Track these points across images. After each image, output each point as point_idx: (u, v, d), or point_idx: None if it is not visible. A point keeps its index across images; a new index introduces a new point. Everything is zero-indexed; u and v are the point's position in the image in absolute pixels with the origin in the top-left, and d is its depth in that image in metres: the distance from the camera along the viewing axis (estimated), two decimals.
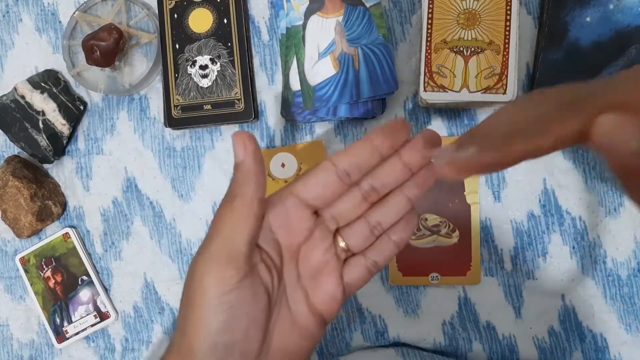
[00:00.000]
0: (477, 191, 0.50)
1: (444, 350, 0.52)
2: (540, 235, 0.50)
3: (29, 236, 0.56)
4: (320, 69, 0.50)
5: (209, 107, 0.52)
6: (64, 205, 0.57)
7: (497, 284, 0.51)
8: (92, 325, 0.55)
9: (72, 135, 0.56)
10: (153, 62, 0.54)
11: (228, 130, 0.54)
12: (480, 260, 0.50)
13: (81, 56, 0.55)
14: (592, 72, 0.47)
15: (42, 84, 0.54)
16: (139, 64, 0.55)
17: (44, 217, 0.55)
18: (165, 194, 0.55)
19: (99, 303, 0.55)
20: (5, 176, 0.54)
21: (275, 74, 0.53)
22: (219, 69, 0.52)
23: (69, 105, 0.55)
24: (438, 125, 0.51)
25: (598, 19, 0.47)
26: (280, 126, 0.54)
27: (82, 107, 0.56)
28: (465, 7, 0.47)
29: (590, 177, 0.50)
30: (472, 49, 0.47)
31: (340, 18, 0.50)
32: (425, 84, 0.47)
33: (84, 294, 0.56)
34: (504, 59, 0.47)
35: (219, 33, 0.53)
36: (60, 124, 0.54)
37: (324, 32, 0.50)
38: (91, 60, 0.53)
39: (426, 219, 0.51)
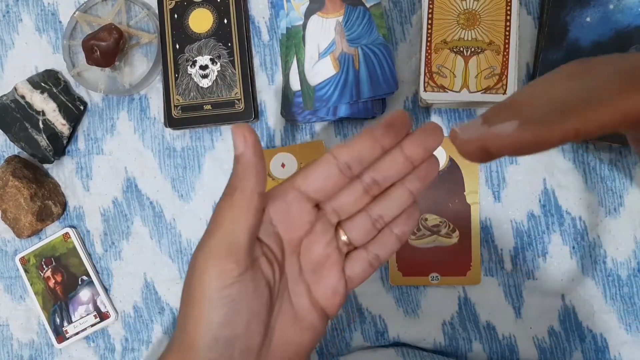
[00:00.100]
0: (477, 191, 0.50)
1: (444, 350, 0.52)
2: (540, 235, 0.50)
3: (29, 236, 0.56)
4: (320, 69, 0.50)
5: (209, 107, 0.52)
6: (64, 205, 0.57)
7: (497, 284, 0.51)
8: (92, 325, 0.55)
9: (72, 135, 0.56)
10: (153, 62, 0.54)
11: (228, 131, 0.54)
12: (480, 260, 0.50)
13: (81, 56, 0.55)
14: None
15: (42, 84, 0.55)
16: (139, 64, 0.55)
17: (44, 217, 0.55)
18: (165, 194, 0.55)
19: (99, 303, 0.55)
20: (5, 176, 0.54)
21: (275, 74, 0.53)
22: (219, 69, 0.52)
23: (69, 105, 0.55)
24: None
25: (598, 19, 0.47)
26: (280, 126, 0.54)
27: (82, 107, 0.56)
28: (465, 7, 0.47)
29: (590, 177, 0.50)
30: (472, 49, 0.47)
31: (341, 18, 0.50)
32: (425, 84, 0.47)
33: (84, 294, 0.56)
34: (504, 59, 0.47)
35: (219, 33, 0.53)
36: (61, 124, 0.54)
37: (324, 32, 0.50)
38: (91, 60, 0.53)
39: (426, 219, 0.51)
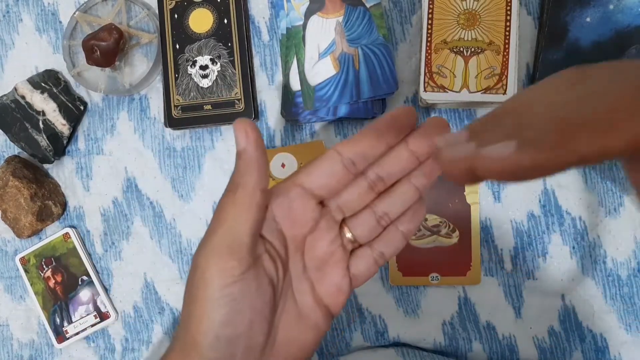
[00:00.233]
0: (477, 191, 0.50)
1: (444, 350, 0.52)
2: (540, 235, 0.50)
3: (29, 236, 0.56)
4: (320, 69, 0.50)
5: (209, 107, 0.52)
6: (64, 205, 0.57)
7: (497, 284, 0.51)
8: (92, 325, 0.55)
9: (72, 136, 0.56)
10: (153, 62, 0.54)
11: (228, 131, 0.54)
12: (480, 260, 0.50)
13: (81, 56, 0.55)
14: None
15: (43, 84, 0.55)
16: (139, 64, 0.55)
17: (44, 217, 0.55)
18: (165, 194, 0.55)
19: (99, 303, 0.55)
20: (5, 176, 0.54)
21: (276, 74, 0.53)
22: (219, 69, 0.52)
23: (69, 105, 0.55)
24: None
25: (598, 19, 0.47)
26: (280, 126, 0.54)
27: (82, 107, 0.56)
28: (465, 8, 0.47)
29: (590, 177, 0.50)
30: (472, 49, 0.47)
31: (341, 18, 0.50)
32: (425, 84, 0.47)
33: (84, 294, 0.56)
34: (504, 59, 0.47)
35: (219, 33, 0.53)
36: (61, 124, 0.54)
37: (324, 32, 0.50)
38: (91, 60, 0.53)
39: (426, 219, 0.51)
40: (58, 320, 0.56)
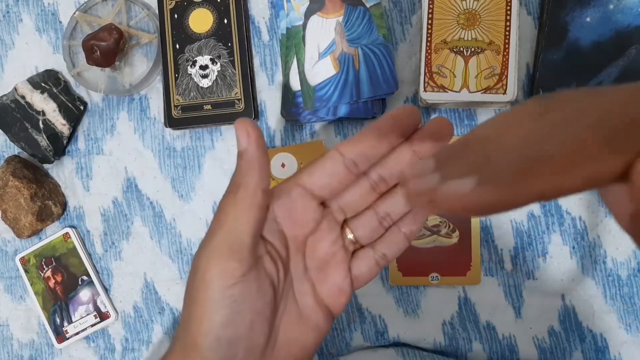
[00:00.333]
0: None
1: (444, 350, 0.52)
2: (540, 235, 0.50)
3: (29, 236, 0.56)
4: (320, 69, 0.50)
5: (209, 107, 0.52)
6: (64, 205, 0.57)
7: (497, 284, 0.51)
8: (92, 325, 0.55)
9: (72, 135, 0.56)
10: (153, 62, 0.54)
11: (228, 131, 0.54)
12: (480, 260, 0.50)
13: (81, 56, 0.55)
14: (592, 72, 0.47)
15: (43, 84, 0.55)
16: (139, 64, 0.55)
17: (44, 217, 0.55)
18: (165, 194, 0.55)
19: (99, 303, 0.55)
20: (5, 176, 0.54)
21: (276, 74, 0.53)
22: (219, 69, 0.52)
23: (69, 105, 0.55)
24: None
25: (598, 19, 0.47)
26: (280, 126, 0.54)
27: (82, 107, 0.56)
28: (465, 7, 0.47)
29: None
30: (472, 49, 0.47)
31: (341, 18, 0.50)
32: (425, 84, 0.47)
33: (84, 294, 0.56)
34: (504, 59, 0.47)
35: (219, 33, 0.53)
36: (61, 124, 0.54)
37: (324, 32, 0.50)
38: (91, 60, 0.53)
39: (426, 219, 0.51)
40: (58, 320, 0.56)
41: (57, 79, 0.56)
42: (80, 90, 0.57)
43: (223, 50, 0.52)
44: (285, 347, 0.31)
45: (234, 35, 0.52)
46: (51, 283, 0.56)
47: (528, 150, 0.19)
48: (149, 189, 0.55)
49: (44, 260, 0.56)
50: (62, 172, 0.57)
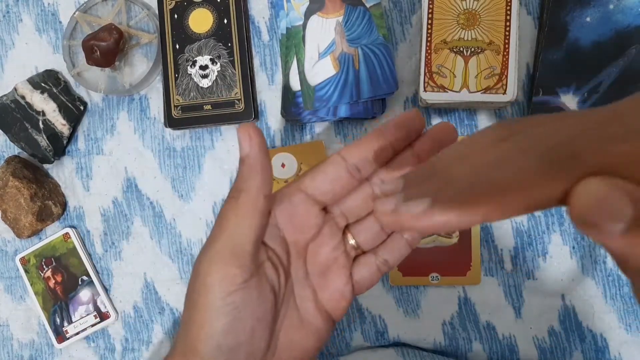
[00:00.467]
0: None
1: (444, 350, 0.52)
2: (540, 235, 0.50)
3: (29, 236, 0.56)
4: (320, 69, 0.50)
5: (209, 107, 0.52)
6: (64, 206, 0.57)
7: (497, 284, 0.51)
8: (92, 325, 0.55)
9: (72, 136, 0.56)
10: (153, 62, 0.54)
11: (228, 131, 0.54)
12: (480, 260, 0.50)
13: (81, 56, 0.55)
14: (592, 72, 0.47)
15: (42, 84, 0.55)
16: (139, 64, 0.55)
17: (44, 217, 0.55)
18: (165, 194, 0.55)
19: (99, 303, 0.55)
20: (5, 176, 0.54)
21: (275, 74, 0.53)
22: (219, 69, 0.52)
23: (69, 105, 0.55)
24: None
25: (598, 19, 0.47)
26: (280, 126, 0.54)
27: (82, 107, 0.56)
28: (465, 7, 0.47)
29: None
30: (472, 49, 0.47)
31: (341, 18, 0.50)
32: (425, 84, 0.47)
33: (84, 294, 0.56)
34: (504, 59, 0.47)
35: (219, 33, 0.53)
36: (61, 124, 0.54)
37: (324, 32, 0.50)
38: (91, 60, 0.53)
39: None
40: (58, 320, 0.56)
41: (57, 79, 0.56)
42: (80, 90, 0.57)
43: (223, 50, 0.52)
44: (286, 351, 0.31)
45: (233, 35, 0.52)
46: (51, 283, 0.56)
47: (477, 176, 0.20)
48: (149, 189, 0.55)
49: (44, 260, 0.56)
50: (62, 172, 0.57)
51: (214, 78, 0.52)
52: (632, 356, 0.49)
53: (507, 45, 0.47)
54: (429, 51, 0.48)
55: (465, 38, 0.47)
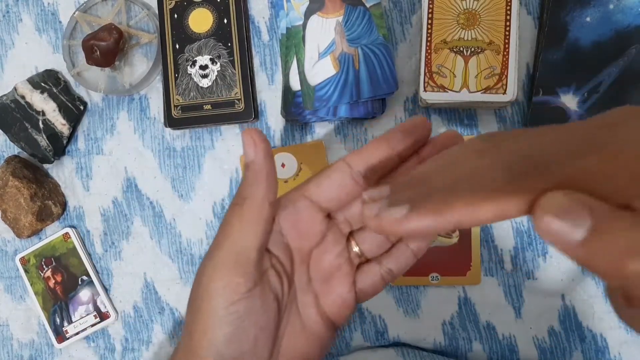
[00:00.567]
0: None
1: (444, 350, 0.52)
2: None
3: (29, 236, 0.56)
4: (320, 69, 0.50)
5: (209, 107, 0.52)
6: (64, 205, 0.57)
7: (497, 284, 0.51)
8: (92, 325, 0.55)
9: (72, 135, 0.56)
10: (153, 62, 0.54)
11: (228, 130, 0.54)
12: (480, 260, 0.50)
13: (81, 56, 0.55)
14: (592, 72, 0.47)
15: (42, 84, 0.55)
16: (139, 64, 0.55)
17: (44, 217, 0.55)
18: (165, 194, 0.55)
19: (99, 303, 0.55)
20: (5, 176, 0.54)
21: (275, 74, 0.53)
22: (219, 69, 0.52)
23: (69, 105, 0.55)
24: (438, 126, 0.51)
25: (598, 19, 0.47)
26: (280, 126, 0.54)
27: (82, 107, 0.56)
28: (465, 7, 0.47)
29: None
30: (472, 49, 0.47)
31: (340, 18, 0.50)
32: (425, 84, 0.47)
33: (84, 294, 0.56)
34: (504, 59, 0.47)
35: (219, 33, 0.53)
36: (60, 123, 0.54)
37: (324, 32, 0.50)
38: (91, 60, 0.53)
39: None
40: (58, 320, 0.56)
41: (57, 78, 0.56)
42: (80, 90, 0.57)
43: (223, 50, 0.52)
44: (288, 357, 0.31)
45: (233, 35, 0.52)
46: (51, 283, 0.56)
47: (454, 185, 0.21)
48: (149, 189, 0.55)
49: (43, 260, 0.56)
50: (62, 172, 0.57)
51: (214, 78, 0.52)
52: (632, 356, 0.49)
53: (507, 45, 0.47)
54: (429, 51, 0.48)
55: (465, 38, 0.47)
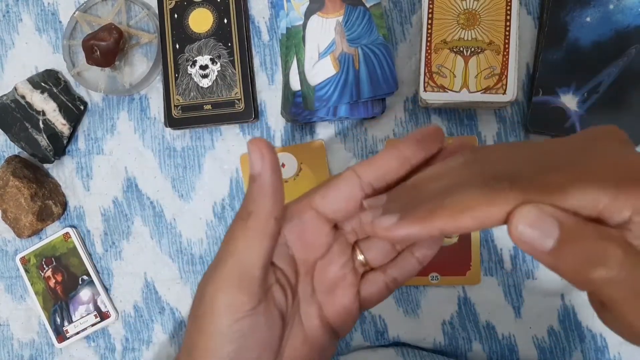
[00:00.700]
0: None
1: (443, 350, 0.52)
2: None
3: (29, 236, 0.56)
4: (320, 69, 0.50)
5: (209, 107, 0.52)
6: (64, 205, 0.57)
7: (497, 283, 0.51)
8: (93, 325, 0.55)
9: (72, 135, 0.56)
10: (153, 62, 0.54)
11: (228, 130, 0.54)
12: (480, 260, 0.50)
13: (81, 56, 0.55)
14: (592, 72, 0.47)
15: (43, 84, 0.55)
16: (139, 63, 0.55)
17: (44, 216, 0.55)
18: (165, 194, 0.55)
19: (99, 303, 0.56)
20: (5, 176, 0.54)
21: (276, 74, 0.53)
22: (219, 69, 0.52)
23: (69, 105, 0.55)
24: (438, 126, 0.51)
25: (598, 19, 0.47)
26: (280, 126, 0.54)
27: (82, 107, 0.56)
28: (465, 7, 0.47)
29: None
30: (472, 49, 0.47)
31: (341, 18, 0.50)
32: (425, 84, 0.47)
33: (85, 293, 0.56)
34: (504, 59, 0.47)
35: (219, 33, 0.53)
36: (61, 123, 0.54)
37: (324, 32, 0.50)
38: (91, 60, 0.53)
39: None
40: (58, 319, 0.56)
41: (57, 78, 0.56)
42: (80, 90, 0.57)
43: (223, 50, 0.52)
44: None
45: (234, 35, 0.52)
46: (51, 283, 0.56)
47: (440, 195, 0.23)
48: (149, 189, 0.55)
49: (44, 260, 0.56)
50: (63, 171, 0.57)
51: (214, 78, 0.52)
52: (632, 356, 0.49)
53: (507, 45, 0.47)
54: (429, 51, 0.48)
55: (465, 38, 0.47)
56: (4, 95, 0.55)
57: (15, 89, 0.55)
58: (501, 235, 0.51)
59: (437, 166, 0.26)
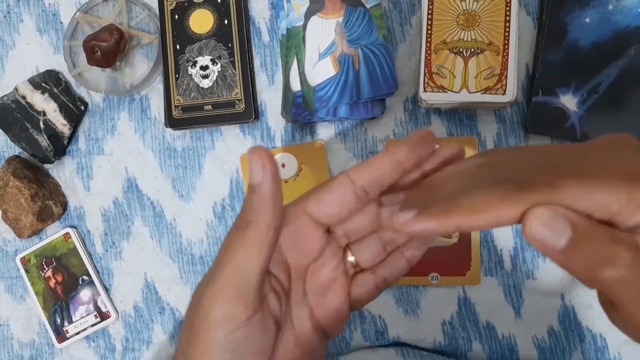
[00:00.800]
0: None
1: (443, 350, 0.52)
2: None
3: (29, 236, 0.56)
4: (320, 70, 0.50)
5: (209, 107, 0.53)
6: (64, 205, 0.57)
7: (497, 284, 0.51)
8: (93, 325, 0.55)
9: (72, 136, 0.56)
10: (154, 62, 0.54)
11: (228, 131, 0.54)
12: (480, 260, 0.51)
13: (82, 57, 0.55)
14: (591, 72, 0.47)
15: (43, 85, 0.55)
16: (140, 64, 0.56)
17: (44, 217, 0.55)
18: (165, 194, 0.55)
19: (99, 303, 0.56)
20: (6, 176, 0.54)
21: (276, 75, 0.54)
22: (220, 69, 0.53)
23: (70, 105, 0.55)
24: (438, 126, 0.52)
25: (597, 19, 0.47)
26: (280, 126, 0.54)
27: (82, 108, 0.56)
28: (465, 8, 0.47)
29: None
30: (472, 50, 0.47)
31: (341, 19, 0.50)
32: (425, 85, 0.48)
33: (85, 293, 0.56)
34: (504, 59, 0.47)
35: (220, 34, 0.53)
36: (61, 124, 0.55)
37: (324, 32, 0.50)
38: (92, 60, 0.53)
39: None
40: (58, 320, 0.56)
41: (58, 79, 0.56)
42: (81, 91, 0.57)
43: (223, 50, 0.53)
44: None
45: (234, 35, 0.53)
46: (52, 283, 0.56)
47: (457, 194, 0.24)
48: (150, 189, 0.55)
49: (44, 260, 0.56)
50: (63, 172, 0.57)
51: (215, 78, 0.53)
52: (632, 356, 0.49)
53: (506, 46, 0.47)
54: (428, 52, 0.48)
55: (465, 39, 0.47)
56: (5, 95, 0.56)
57: (16, 89, 0.55)
58: (501, 236, 0.51)
59: (454, 167, 0.28)
